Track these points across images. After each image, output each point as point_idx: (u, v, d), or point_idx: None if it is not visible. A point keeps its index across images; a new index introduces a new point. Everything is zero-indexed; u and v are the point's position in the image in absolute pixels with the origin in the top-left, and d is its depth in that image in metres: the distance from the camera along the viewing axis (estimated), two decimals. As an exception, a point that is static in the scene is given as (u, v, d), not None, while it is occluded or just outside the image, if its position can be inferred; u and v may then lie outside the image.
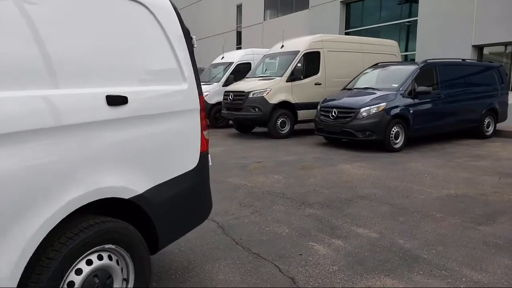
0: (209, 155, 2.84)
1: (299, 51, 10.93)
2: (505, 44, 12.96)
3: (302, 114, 10.80)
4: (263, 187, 5.50)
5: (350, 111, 8.49)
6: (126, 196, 2.10)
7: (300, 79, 10.73)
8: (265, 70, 11.87)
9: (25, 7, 1.75)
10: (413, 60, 14.60)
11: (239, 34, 26.71)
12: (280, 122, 10.55)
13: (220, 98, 12.11)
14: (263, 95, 10.37)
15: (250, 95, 10.50)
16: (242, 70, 13.20)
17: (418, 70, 8.92)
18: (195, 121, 2.63)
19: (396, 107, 8.36)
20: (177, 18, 2.58)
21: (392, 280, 2.92)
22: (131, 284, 2.19)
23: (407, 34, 16.02)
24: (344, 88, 10.01)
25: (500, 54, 13.32)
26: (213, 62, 14.98)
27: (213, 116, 12.85)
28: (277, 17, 23.13)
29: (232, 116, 11.25)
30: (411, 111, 8.54)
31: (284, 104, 10.55)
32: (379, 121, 8.15)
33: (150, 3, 2.39)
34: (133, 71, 2.25)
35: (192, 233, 3.10)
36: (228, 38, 27.18)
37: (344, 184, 5.65)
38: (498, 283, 2.89)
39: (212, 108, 12.78)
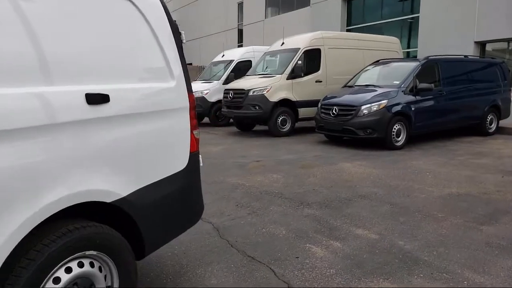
0: (199, 156, 2.74)
1: (300, 48, 10.80)
2: (508, 40, 12.79)
3: (303, 112, 10.66)
4: (261, 186, 5.40)
5: (351, 109, 8.36)
6: (108, 199, 2.00)
7: (301, 76, 10.62)
8: (266, 68, 11.77)
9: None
10: (415, 57, 14.45)
11: (240, 32, 26.61)
12: (281, 120, 10.43)
13: (220, 96, 12.02)
14: (263, 93, 10.25)
15: (251, 93, 10.38)
16: (242, 68, 13.09)
17: (420, 67, 8.79)
18: (184, 120, 2.52)
19: (397, 104, 8.23)
20: (164, 13, 2.47)
21: (391, 284, 2.82)
22: (116, 291, 2.09)
23: (409, 31, 15.85)
24: (345, 86, 9.89)
25: (503, 50, 13.16)
26: (214, 60, 14.87)
27: (213, 114, 12.78)
28: (278, 14, 23.02)
29: (232, 114, 11.14)
30: (412, 108, 8.40)
31: (284, 102, 10.43)
32: (380, 118, 8.02)
33: None
34: (116, 68, 2.13)
35: (186, 235, 3.01)
36: (229, 36, 27.09)
37: (344, 183, 5.55)
38: (501, 286, 2.79)
39: (212, 106, 12.72)
